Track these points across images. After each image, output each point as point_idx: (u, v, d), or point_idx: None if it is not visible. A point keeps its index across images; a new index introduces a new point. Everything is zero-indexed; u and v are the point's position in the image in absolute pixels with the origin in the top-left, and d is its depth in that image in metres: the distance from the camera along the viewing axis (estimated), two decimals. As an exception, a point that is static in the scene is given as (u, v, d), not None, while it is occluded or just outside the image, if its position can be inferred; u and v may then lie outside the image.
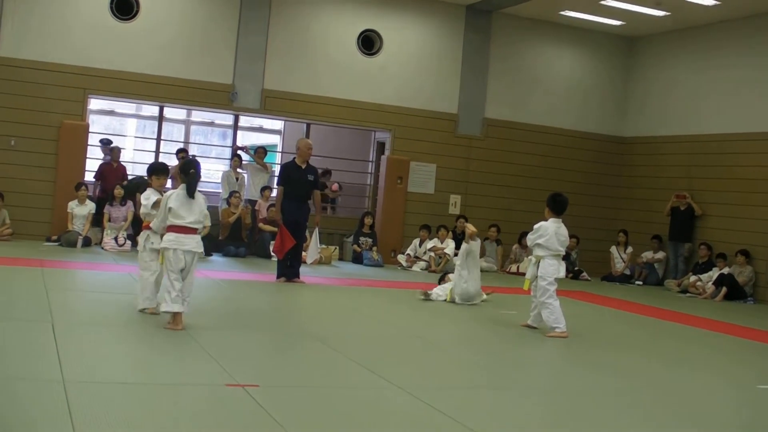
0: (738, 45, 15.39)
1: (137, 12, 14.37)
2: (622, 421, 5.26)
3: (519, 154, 16.82)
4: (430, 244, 15.24)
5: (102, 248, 13.36)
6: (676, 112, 16.54)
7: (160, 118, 15.59)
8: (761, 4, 14.36)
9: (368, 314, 9.09)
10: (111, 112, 17.19)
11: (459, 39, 16.45)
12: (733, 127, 15.26)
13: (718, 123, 15.58)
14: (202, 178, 15.58)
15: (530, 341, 7.98)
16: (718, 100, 15.66)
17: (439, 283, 10.77)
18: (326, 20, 15.57)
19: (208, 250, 13.70)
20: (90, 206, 13.68)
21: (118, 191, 13.72)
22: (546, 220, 8.51)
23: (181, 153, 14.48)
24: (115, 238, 13.42)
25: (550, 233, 8.32)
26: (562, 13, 16.21)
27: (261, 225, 14.52)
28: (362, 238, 15.25)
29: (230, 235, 14.30)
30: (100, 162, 14.81)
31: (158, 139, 15.56)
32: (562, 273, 8.44)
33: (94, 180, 14.54)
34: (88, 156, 14.41)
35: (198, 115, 17.33)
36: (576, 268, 15.70)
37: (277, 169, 14.82)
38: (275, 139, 18.19)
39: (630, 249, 16.20)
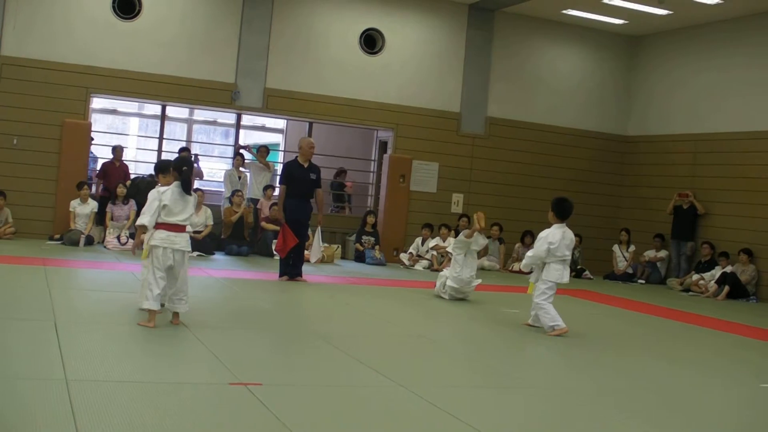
0: (741, 43, 15.37)
1: (140, 11, 14.38)
2: (624, 420, 5.25)
3: (522, 153, 16.82)
4: (432, 242, 15.24)
5: (104, 247, 13.38)
6: (679, 110, 16.53)
7: (163, 117, 15.60)
8: (764, 2, 14.34)
9: (371, 313, 9.08)
10: (113, 111, 17.20)
11: (462, 37, 16.44)
12: (736, 125, 15.25)
13: (721, 121, 15.57)
14: (205, 177, 15.76)
15: (532, 340, 7.97)
16: (721, 99, 15.64)
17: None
18: (329, 19, 15.57)
19: (211, 249, 13.73)
20: (92, 205, 13.69)
21: (121, 190, 13.73)
22: (550, 223, 8.42)
23: (184, 152, 14.47)
24: (118, 237, 13.44)
25: (557, 239, 8.21)
26: (565, 11, 16.20)
27: (263, 224, 14.52)
28: (365, 237, 15.25)
29: (233, 234, 14.30)
30: (103, 161, 14.83)
31: (161, 138, 15.57)
32: (566, 279, 8.31)
33: (96, 179, 14.55)
34: (90, 154, 14.42)
35: (200, 113, 17.33)
36: (578, 267, 15.69)
37: (279, 168, 14.83)
38: (278, 138, 18.20)
39: (632, 248, 16.19)
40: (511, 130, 16.80)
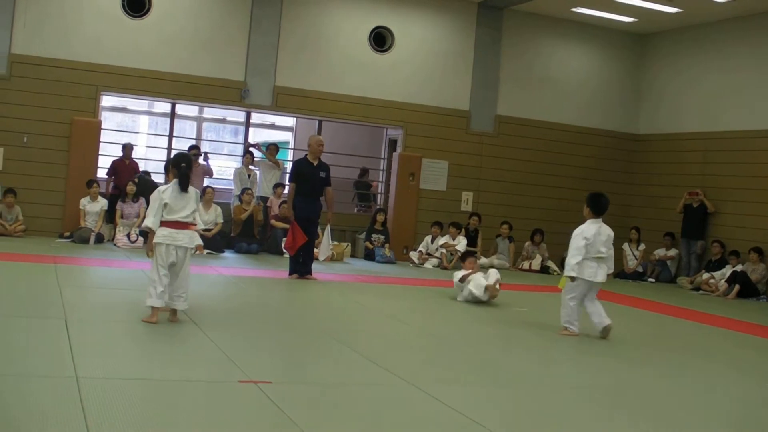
0: (751, 42, 15.30)
1: (149, 9, 14.40)
2: (632, 418, 5.22)
3: (531, 151, 16.79)
4: (441, 240, 15.22)
5: (114, 245, 13.40)
6: (689, 109, 16.47)
7: (172, 115, 15.63)
8: (776, 0, 14.28)
9: (380, 311, 9.07)
10: (123, 109, 17.24)
11: (471, 36, 16.42)
12: (747, 124, 15.18)
13: (731, 120, 15.51)
14: (215, 175, 15.78)
15: (542, 339, 7.95)
16: (731, 98, 15.57)
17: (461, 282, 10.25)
18: (338, 17, 15.57)
19: (221, 247, 13.75)
20: (102, 203, 13.72)
21: (131, 188, 13.76)
22: (584, 220, 8.25)
23: (193, 150, 14.51)
24: (128, 235, 13.46)
25: (591, 234, 8.04)
26: (574, 9, 16.16)
27: (273, 222, 14.53)
28: (374, 235, 15.25)
29: (242, 232, 14.32)
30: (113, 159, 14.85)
31: (170, 136, 15.59)
32: (600, 278, 8.02)
33: (106, 176, 14.58)
34: (100, 153, 14.44)
35: (210, 112, 17.35)
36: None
37: (288, 166, 14.84)
38: (287, 136, 18.22)
39: (642, 246, 16.14)
40: (521, 128, 16.76)
